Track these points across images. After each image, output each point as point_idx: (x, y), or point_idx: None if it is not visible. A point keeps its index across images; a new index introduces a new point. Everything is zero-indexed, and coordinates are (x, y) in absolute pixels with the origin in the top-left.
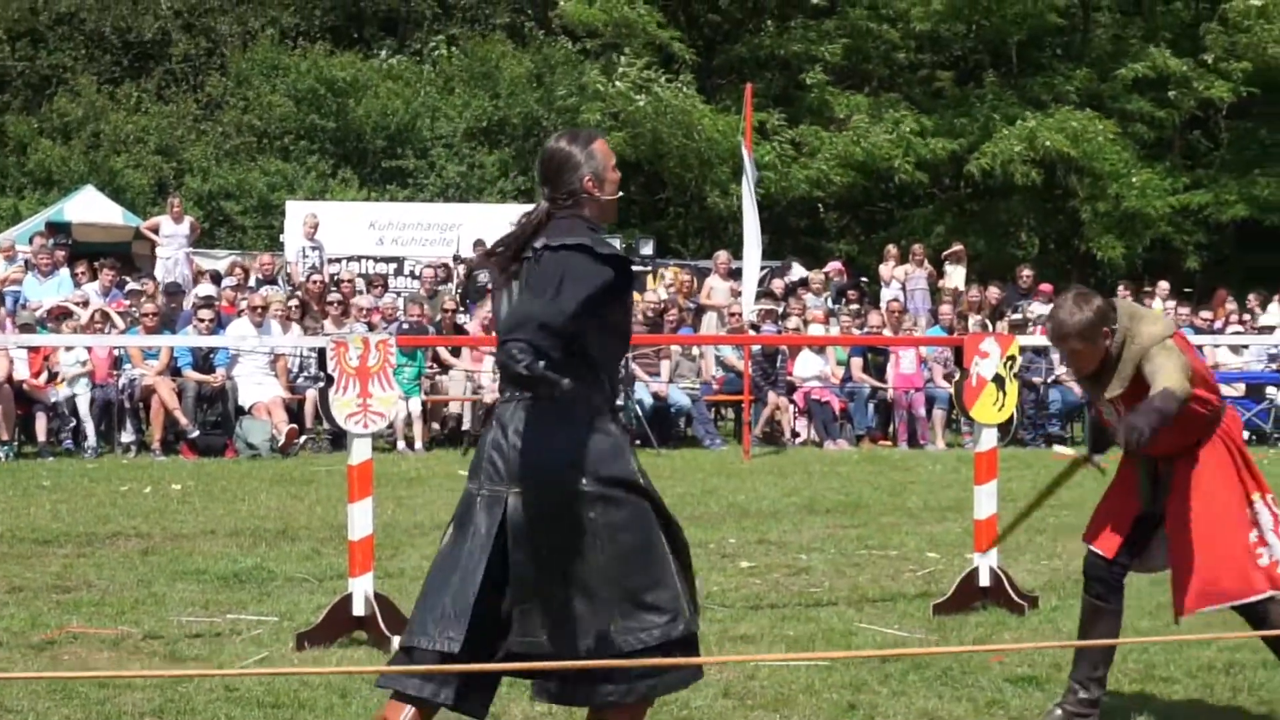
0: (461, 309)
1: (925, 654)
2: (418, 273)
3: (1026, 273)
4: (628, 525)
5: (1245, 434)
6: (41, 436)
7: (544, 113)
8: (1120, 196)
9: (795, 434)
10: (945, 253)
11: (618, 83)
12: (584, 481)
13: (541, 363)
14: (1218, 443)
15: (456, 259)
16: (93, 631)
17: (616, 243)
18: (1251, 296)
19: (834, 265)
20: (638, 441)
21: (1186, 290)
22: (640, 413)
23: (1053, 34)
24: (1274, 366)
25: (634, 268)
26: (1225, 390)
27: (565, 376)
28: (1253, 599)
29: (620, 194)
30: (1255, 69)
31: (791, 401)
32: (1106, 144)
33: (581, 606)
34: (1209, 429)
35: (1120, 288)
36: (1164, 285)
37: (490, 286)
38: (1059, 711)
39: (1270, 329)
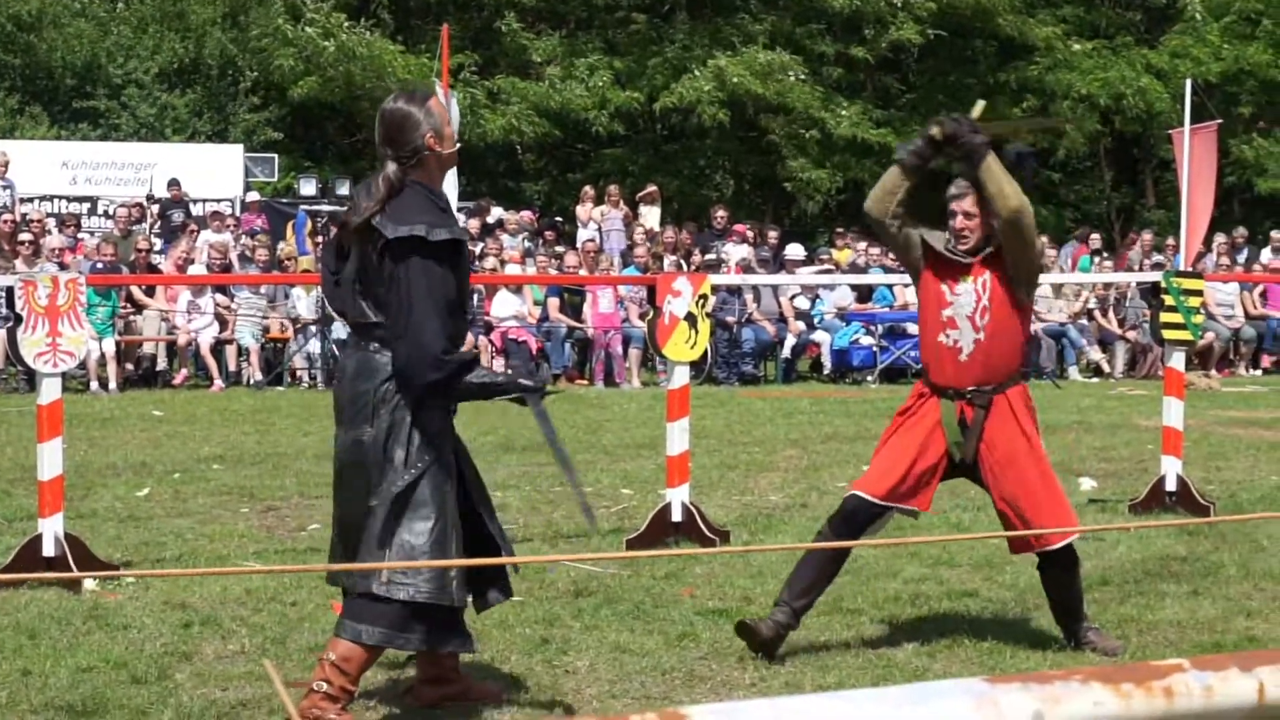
0: (155, 250)
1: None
2: (111, 212)
3: (721, 213)
4: None
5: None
6: None
7: (238, 53)
8: (831, 126)
9: None
10: (640, 194)
11: (307, 28)
12: None
13: (470, 374)
14: (1023, 390)
15: (150, 199)
16: None
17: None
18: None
19: (525, 214)
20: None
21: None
22: (336, 352)
23: None
24: None
25: (465, 241)
26: (913, 329)
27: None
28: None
29: (459, 145)
30: (941, 10)
31: (489, 341)
32: (797, 84)
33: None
34: (1021, 364)
35: None
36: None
37: (321, 237)
38: (768, 622)
39: None
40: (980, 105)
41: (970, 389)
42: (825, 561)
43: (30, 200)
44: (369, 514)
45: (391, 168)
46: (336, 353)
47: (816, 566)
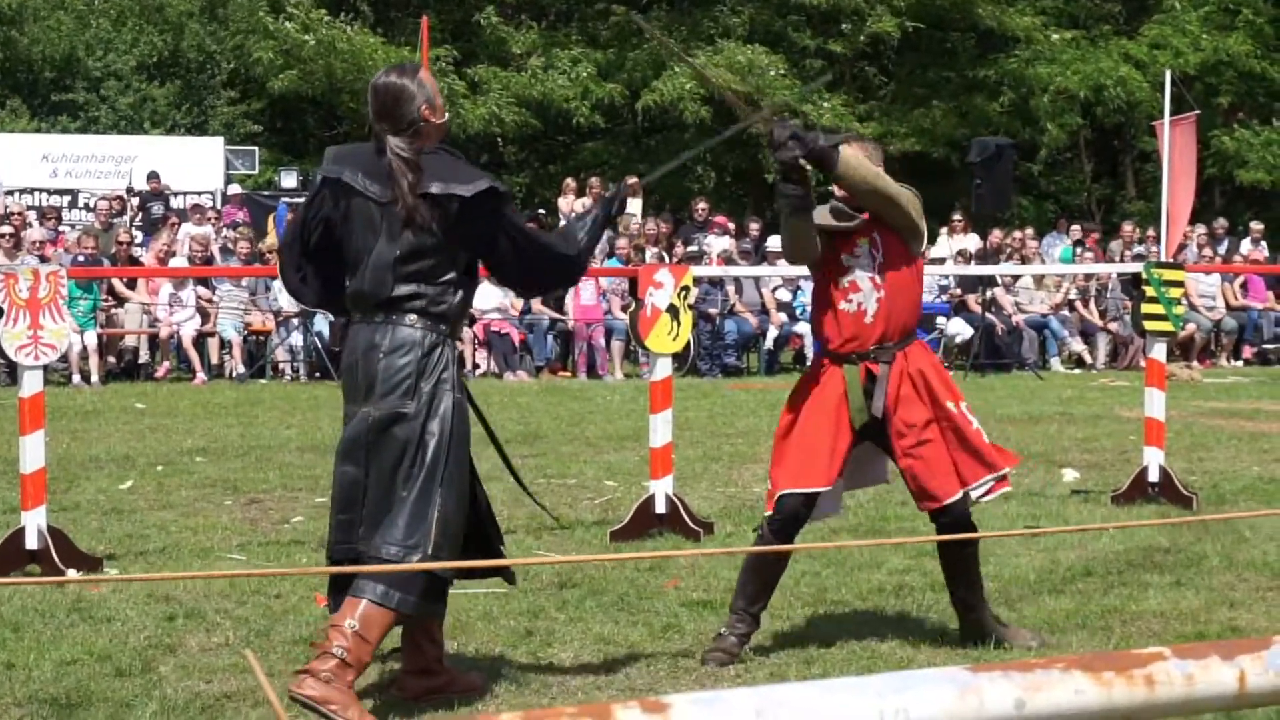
0: (136, 242)
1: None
2: (92, 205)
3: (701, 205)
4: None
5: None
6: None
7: (217, 47)
8: (810, 121)
9: (475, 366)
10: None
11: (287, 23)
12: None
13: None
14: (922, 346)
15: (130, 191)
16: None
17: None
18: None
19: None
20: (317, 374)
21: None
22: (319, 345)
23: None
24: (944, 297)
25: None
26: None
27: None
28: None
29: (448, 115)
30: (919, 2)
31: (472, 333)
32: (778, 79)
33: None
34: (918, 322)
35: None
36: None
37: (336, 220)
38: (733, 638)
39: (940, 260)
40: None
41: (873, 347)
42: (771, 565)
43: (10, 193)
44: (405, 485)
45: (395, 141)
46: (320, 345)
47: (763, 572)
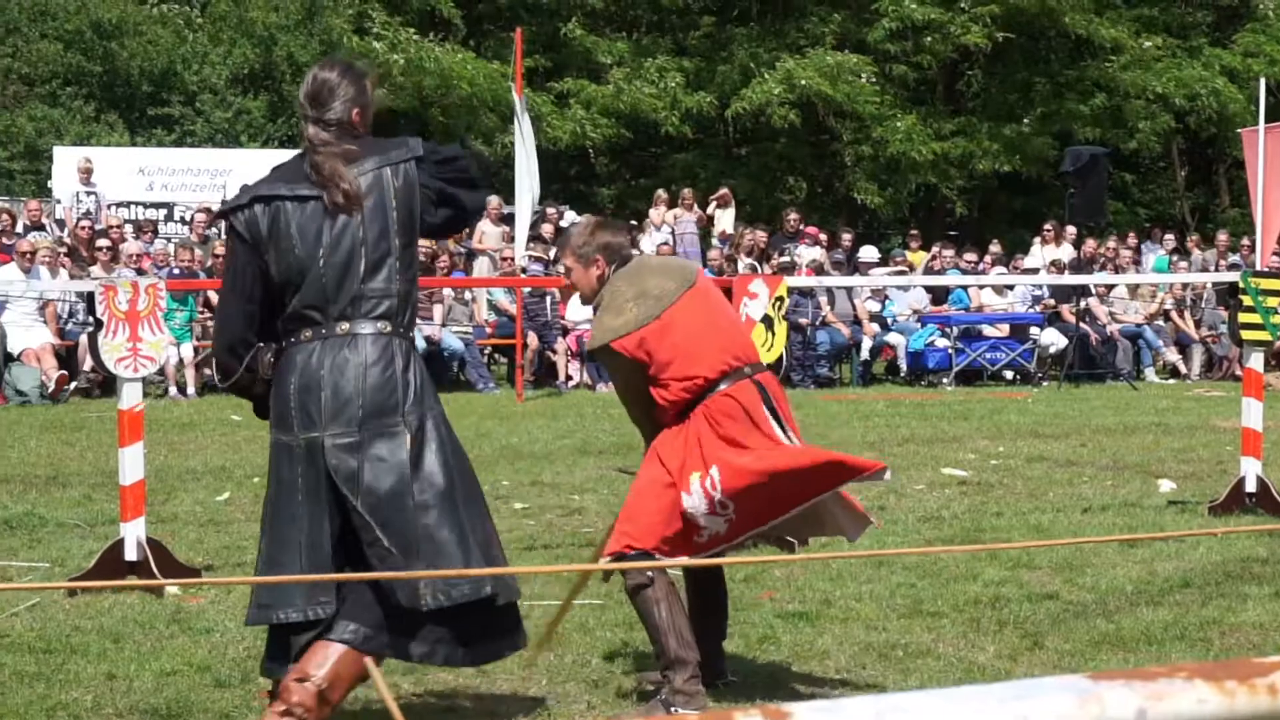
0: None
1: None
2: (188, 218)
3: (793, 216)
4: None
5: (1010, 374)
6: None
7: (309, 60)
8: (884, 141)
9: (569, 377)
10: (712, 196)
11: (375, 42)
12: None
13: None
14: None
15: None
16: None
17: None
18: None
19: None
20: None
21: (952, 233)
22: None
23: None
24: (1037, 308)
25: None
26: (989, 331)
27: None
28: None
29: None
30: (1004, 12)
31: (565, 345)
32: (866, 85)
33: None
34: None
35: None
36: None
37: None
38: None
39: (1034, 270)
40: None
41: None
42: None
43: (108, 206)
44: (424, 515)
45: (315, 130)
46: None
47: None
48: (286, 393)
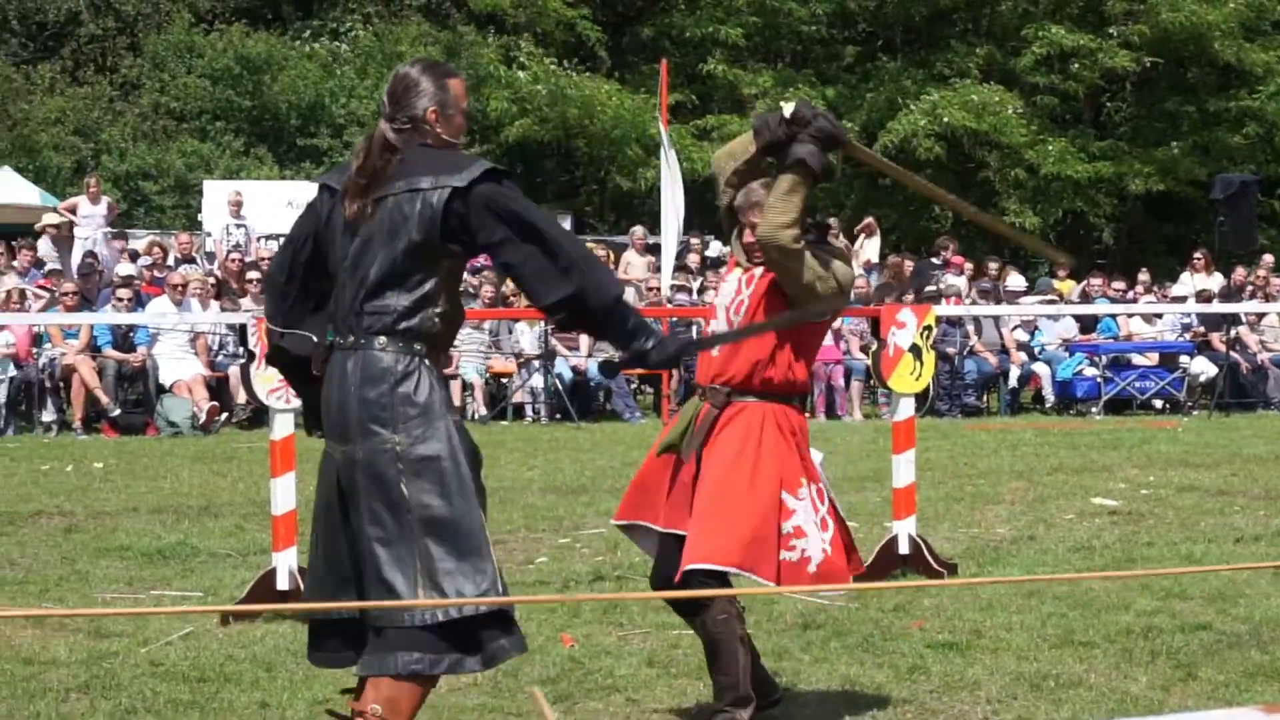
0: None
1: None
2: None
3: (950, 245)
4: None
5: (1160, 403)
6: None
7: None
8: (1037, 163)
9: None
10: (858, 226)
11: (520, 73)
12: None
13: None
14: (779, 411)
15: None
16: (17, 613)
17: None
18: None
19: None
20: (558, 415)
21: (1100, 261)
22: (560, 387)
23: (958, 9)
24: (1187, 336)
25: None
26: (1138, 360)
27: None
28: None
29: (463, 140)
30: (1154, 36)
31: None
32: (1013, 117)
33: None
34: (782, 380)
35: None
36: None
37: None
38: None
39: (1182, 299)
40: (790, 106)
41: (708, 385)
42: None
43: (258, 239)
44: (419, 534)
45: (385, 126)
46: (560, 386)
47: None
48: (321, 401)
